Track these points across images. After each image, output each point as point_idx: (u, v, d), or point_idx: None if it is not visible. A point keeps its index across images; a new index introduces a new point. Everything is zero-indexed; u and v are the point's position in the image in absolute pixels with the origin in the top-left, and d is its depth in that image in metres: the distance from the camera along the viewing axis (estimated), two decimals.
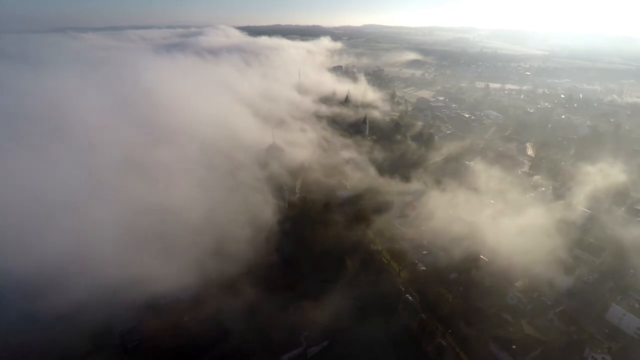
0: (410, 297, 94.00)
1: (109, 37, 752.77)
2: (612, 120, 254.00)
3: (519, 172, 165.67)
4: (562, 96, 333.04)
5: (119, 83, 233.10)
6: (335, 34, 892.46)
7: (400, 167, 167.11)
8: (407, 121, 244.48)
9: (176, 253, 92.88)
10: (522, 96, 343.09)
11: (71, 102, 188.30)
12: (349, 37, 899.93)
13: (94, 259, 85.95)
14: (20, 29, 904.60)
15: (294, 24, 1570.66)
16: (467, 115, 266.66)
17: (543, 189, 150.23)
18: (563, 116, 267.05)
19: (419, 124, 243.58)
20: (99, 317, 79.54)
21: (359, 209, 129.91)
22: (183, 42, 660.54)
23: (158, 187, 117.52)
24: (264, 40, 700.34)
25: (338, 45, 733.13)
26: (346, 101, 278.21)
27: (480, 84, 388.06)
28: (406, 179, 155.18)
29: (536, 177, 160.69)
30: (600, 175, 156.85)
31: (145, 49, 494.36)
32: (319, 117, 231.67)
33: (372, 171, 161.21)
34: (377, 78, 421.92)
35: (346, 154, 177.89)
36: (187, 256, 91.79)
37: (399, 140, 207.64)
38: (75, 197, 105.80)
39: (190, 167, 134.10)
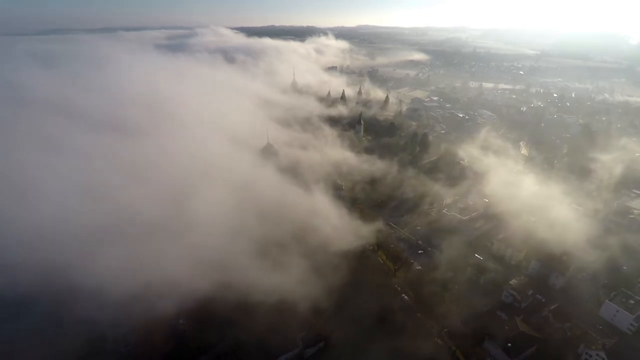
0: (406, 297, 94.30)
1: (104, 39, 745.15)
2: (603, 118, 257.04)
3: (513, 171, 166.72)
4: (555, 95, 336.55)
5: (126, 84, 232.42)
6: (329, 35, 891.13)
7: (394, 166, 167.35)
8: (402, 121, 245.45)
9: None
10: (514, 95, 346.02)
11: (89, 101, 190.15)
12: (344, 38, 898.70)
13: (90, 262, 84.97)
14: (14, 31, 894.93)
15: (288, 24, 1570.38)
16: (461, 115, 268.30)
17: (537, 187, 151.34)
18: (555, 115, 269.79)
19: (414, 123, 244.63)
20: (93, 322, 78.61)
21: (354, 209, 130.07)
22: (179, 43, 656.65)
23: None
24: (259, 40, 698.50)
25: (335, 45, 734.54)
26: (341, 101, 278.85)
27: (473, 84, 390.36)
28: (401, 178, 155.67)
29: (530, 176, 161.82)
30: (593, 173, 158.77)
31: (144, 50, 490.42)
32: (313, 117, 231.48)
33: (367, 171, 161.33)
34: (371, 78, 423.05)
35: (341, 153, 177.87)
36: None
37: (393, 139, 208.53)
38: (71, 197, 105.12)
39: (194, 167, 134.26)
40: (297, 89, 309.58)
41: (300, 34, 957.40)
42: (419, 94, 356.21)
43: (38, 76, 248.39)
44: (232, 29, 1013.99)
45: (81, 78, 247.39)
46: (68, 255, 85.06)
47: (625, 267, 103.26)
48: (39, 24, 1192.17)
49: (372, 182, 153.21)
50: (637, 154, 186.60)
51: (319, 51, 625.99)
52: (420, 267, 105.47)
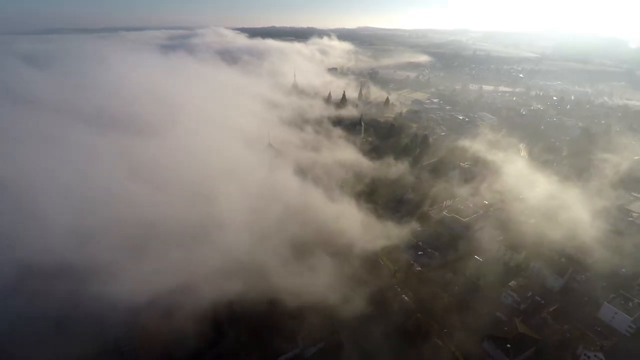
0: (406, 297, 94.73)
1: (105, 39, 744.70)
2: (603, 121, 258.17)
3: (513, 173, 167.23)
4: (554, 98, 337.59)
5: (127, 84, 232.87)
6: (330, 36, 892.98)
7: (395, 168, 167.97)
8: (402, 123, 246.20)
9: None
10: (514, 98, 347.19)
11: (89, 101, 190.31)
12: (344, 40, 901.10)
13: (90, 262, 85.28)
14: (13, 31, 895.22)
15: (288, 25, 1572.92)
16: (461, 117, 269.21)
17: (536, 189, 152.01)
18: (555, 118, 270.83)
19: (414, 125, 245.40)
20: (94, 321, 78.87)
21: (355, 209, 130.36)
22: (180, 43, 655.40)
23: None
24: (259, 41, 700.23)
25: (335, 46, 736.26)
26: (341, 102, 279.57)
27: (473, 86, 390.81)
28: (401, 179, 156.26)
29: (529, 178, 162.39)
30: (592, 175, 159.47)
31: (146, 50, 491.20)
32: (314, 118, 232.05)
33: (367, 172, 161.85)
34: (372, 79, 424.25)
35: (341, 154, 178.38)
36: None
37: (393, 141, 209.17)
38: (73, 195, 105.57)
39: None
40: (298, 90, 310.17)
41: (301, 35, 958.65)
42: (419, 95, 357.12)
43: (38, 76, 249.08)
44: (233, 29, 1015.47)
45: (81, 78, 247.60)
46: (71, 256, 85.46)
47: (624, 270, 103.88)
48: (38, 24, 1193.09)
49: (372, 183, 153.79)
50: (637, 157, 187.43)
51: (319, 52, 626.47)
52: (420, 268, 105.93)
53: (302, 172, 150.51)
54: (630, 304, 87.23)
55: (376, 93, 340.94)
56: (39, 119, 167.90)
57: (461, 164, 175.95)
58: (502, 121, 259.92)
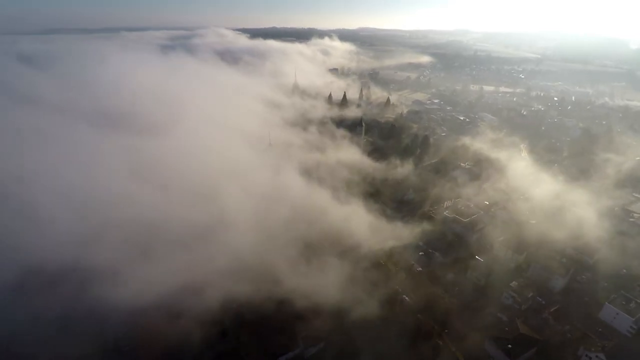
0: (406, 298, 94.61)
1: (106, 39, 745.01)
2: (603, 122, 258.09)
3: (513, 174, 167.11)
4: (555, 99, 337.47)
5: (128, 84, 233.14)
6: (331, 37, 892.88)
7: (395, 168, 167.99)
8: (403, 123, 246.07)
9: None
10: (514, 99, 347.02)
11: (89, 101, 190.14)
12: (344, 40, 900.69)
13: (92, 262, 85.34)
14: (14, 31, 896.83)
15: (289, 26, 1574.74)
16: (461, 118, 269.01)
17: (537, 190, 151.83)
18: (556, 119, 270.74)
19: (414, 125, 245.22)
20: (93, 321, 78.88)
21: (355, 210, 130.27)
22: (181, 44, 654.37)
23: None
24: (260, 42, 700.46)
25: (336, 47, 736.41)
26: (342, 103, 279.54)
27: (474, 87, 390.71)
28: (401, 180, 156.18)
29: (530, 178, 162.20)
30: (593, 176, 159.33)
31: (146, 50, 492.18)
32: (315, 118, 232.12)
33: (367, 172, 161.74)
34: (373, 80, 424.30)
35: (342, 155, 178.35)
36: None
37: (394, 141, 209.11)
38: (74, 196, 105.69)
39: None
40: (298, 91, 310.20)
41: (302, 35, 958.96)
42: (420, 96, 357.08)
43: (38, 76, 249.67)
44: (234, 30, 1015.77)
45: (82, 78, 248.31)
46: (73, 256, 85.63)
47: (625, 270, 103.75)
48: (39, 24, 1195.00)
49: (373, 183, 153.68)
50: (638, 158, 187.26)
51: (320, 53, 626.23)
52: (421, 269, 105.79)
53: (303, 172, 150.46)
54: (632, 304, 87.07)
55: (377, 94, 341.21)
56: (39, 119, 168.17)
57: (462, 164, 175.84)
58: (502, 122, 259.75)
